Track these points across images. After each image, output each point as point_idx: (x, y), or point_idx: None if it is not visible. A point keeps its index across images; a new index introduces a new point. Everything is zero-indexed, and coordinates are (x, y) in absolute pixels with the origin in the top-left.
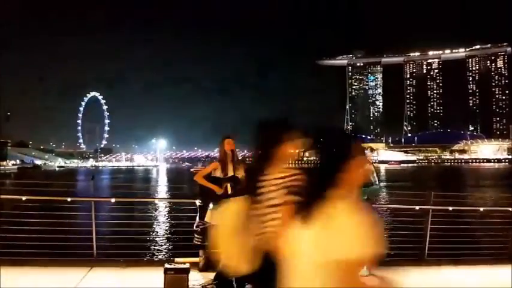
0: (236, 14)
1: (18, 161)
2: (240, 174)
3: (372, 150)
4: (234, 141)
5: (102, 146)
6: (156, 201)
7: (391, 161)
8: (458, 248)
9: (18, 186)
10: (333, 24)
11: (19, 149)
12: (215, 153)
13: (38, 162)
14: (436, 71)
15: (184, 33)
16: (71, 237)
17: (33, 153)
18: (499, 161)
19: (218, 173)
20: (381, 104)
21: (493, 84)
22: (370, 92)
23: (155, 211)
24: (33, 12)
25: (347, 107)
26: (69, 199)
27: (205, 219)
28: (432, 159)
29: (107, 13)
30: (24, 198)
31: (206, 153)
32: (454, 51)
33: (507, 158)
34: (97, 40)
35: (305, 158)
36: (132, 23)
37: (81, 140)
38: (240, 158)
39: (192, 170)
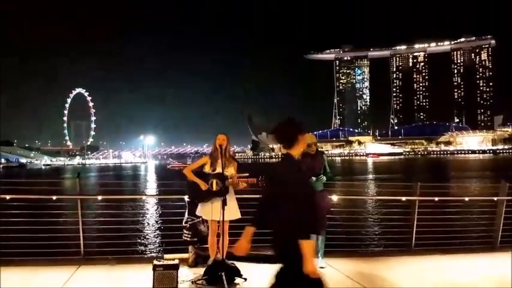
0: (223, 7)
1: (3, 160)
2: (230, 171)
3: (360, 143)
4: (227, 138)
5: (88, 143)
6: (144, 197)
7: (370, 154)
8: (444, 238)
9: (2, 185)
10: (320, 18)
11: (4, 147)
12: (204, 148)
13: (23, 160)
14: (422, 64)
15: (174, 29)
16: (57, 236)
17: (18, 152)
18: (483, 152)
19: (207, 168)
20: (368, 97)
21: (478, 76)
22: (358, 85)
23: (144, 208)
24: (18, 8)
25: (335, 100)
26: (54, 197)
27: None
28: (418, 151)
29: (93, 10)
30: (8, 197)
31: (195, 149)
32: (439, 44)
33: (491, 149)
34: (82, 37)
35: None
36: (119, 21)
37: (67, 138)
38: (231, 154)
39: (168, 166)
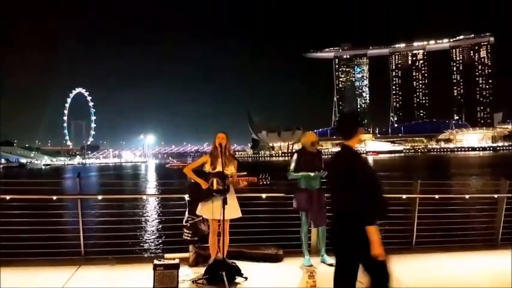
0: (224, 6)
1: (3, 160)
2: (230, 170)
3: (360, 141)
4: (227, 136)
5: (89, 143)
6: (145, 197)
7: (369, 151)
8: (445, 235)
9: (2, 186)
10: (319, 17)
11: (4, 147)
12: (204, 147)
13: (23, 160)
14: (421, 61)
15: (174, 29)
16: (57, 236)
17: (18, 152)
18: (483, 149)
19: (207, 167)
20: (368, 95)
21: (477, 73)
22: (357, 83)
23: (144, 207)
24: (19, 7)
25: (334, 99)
26: (54, 197)
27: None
28: (419, 148)
29: (94, 10)
30: (8, 197)
31: (195, 148)
32: (438, 42)
33: (491, 146)
34: (82, 36)
35: (294, 150)
36: (120, 20)
37: (67, 137)
38: (231, 153)
39: (167, 165)
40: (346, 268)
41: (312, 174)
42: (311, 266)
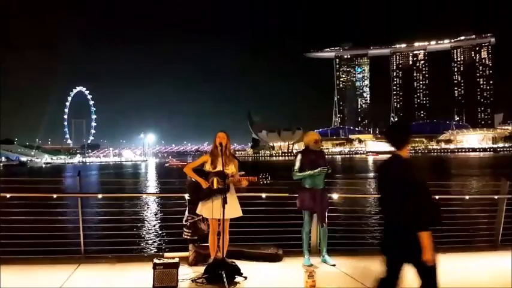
0: (224, 5)
1: (3, 158)
2: (230, 169)
3: (360, 141)
4: (227, 136)
5: (89, 141)
6: (144, 196)
7: (369, 152)
8: (445, 236)
9: (2, 184)
10: (320, 16)
11: (4, 146)
12: (204, 147)
13: (23, 159)
14: (422, 62)
15: (174, 28)
16: (57, 235)
17: (18, 150)
18: (484, 150)
19: (208, 167)
20: (368, 95)
21: (478, 74)
22: (358, 84)
23: (144, 206)
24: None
25: (335, 99)
26: (54, 196)
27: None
28: (419, 149)
29: (94, 10)
30: (8, 195)
31: (196, 147)
32: (439, 42)
33: (492, 147)
34: (82, 36)
35: (294, 150)
36: (120, 20)
37: (67, 136)
38: (232, 152)
39: (166, 164)
40: (396, 271)
41: (316, 171)
42: (311, 265)
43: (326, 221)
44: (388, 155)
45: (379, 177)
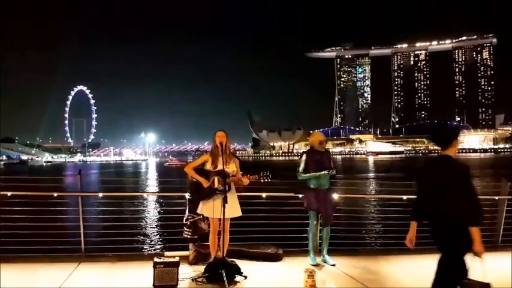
0: (224, 5)
1: (4, 157)
2: (231, 168)
3: (361, 141)
4: (226, 135)
5: (90, 140)
6: (145, 195)
7: (369, 152)
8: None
9: (3, 182)
10: (321, 16)
11: (5, 144)
12: (205, 146)
13: (24, 157)
14: (423, 62)
15: (174, 28)
16: (58, 233)
17: (19, 149)
18: (485, 150)
19: (208, 166)
20: (369, 95)
21: (479, 75)
22: (359, 84)
23: (144, 205)
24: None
25: (336, 99)
26: (55, 194)
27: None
28: (420, 149)
29: (94, 9)
30: (9, 194)
31: (196, 147)
32: (440, 42)
33: (493, 148)
34: (83, 35)
35: (295, 150)
36: (120, 19)
37: (68, 135)
38: (232, 151)
39: (166, 164)
40: (454, 265)
41: (321, 173)
42: (317, 265)
43: (332, 221)
44: (388, 155)
45: (427, 175)
